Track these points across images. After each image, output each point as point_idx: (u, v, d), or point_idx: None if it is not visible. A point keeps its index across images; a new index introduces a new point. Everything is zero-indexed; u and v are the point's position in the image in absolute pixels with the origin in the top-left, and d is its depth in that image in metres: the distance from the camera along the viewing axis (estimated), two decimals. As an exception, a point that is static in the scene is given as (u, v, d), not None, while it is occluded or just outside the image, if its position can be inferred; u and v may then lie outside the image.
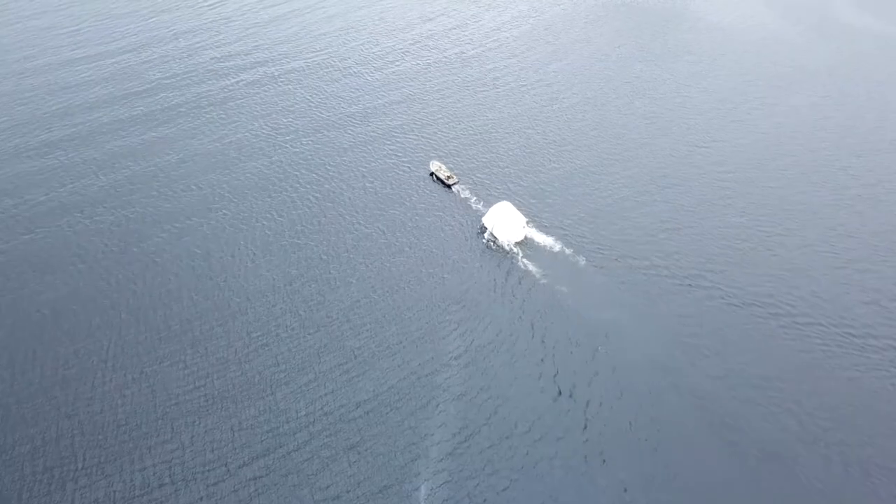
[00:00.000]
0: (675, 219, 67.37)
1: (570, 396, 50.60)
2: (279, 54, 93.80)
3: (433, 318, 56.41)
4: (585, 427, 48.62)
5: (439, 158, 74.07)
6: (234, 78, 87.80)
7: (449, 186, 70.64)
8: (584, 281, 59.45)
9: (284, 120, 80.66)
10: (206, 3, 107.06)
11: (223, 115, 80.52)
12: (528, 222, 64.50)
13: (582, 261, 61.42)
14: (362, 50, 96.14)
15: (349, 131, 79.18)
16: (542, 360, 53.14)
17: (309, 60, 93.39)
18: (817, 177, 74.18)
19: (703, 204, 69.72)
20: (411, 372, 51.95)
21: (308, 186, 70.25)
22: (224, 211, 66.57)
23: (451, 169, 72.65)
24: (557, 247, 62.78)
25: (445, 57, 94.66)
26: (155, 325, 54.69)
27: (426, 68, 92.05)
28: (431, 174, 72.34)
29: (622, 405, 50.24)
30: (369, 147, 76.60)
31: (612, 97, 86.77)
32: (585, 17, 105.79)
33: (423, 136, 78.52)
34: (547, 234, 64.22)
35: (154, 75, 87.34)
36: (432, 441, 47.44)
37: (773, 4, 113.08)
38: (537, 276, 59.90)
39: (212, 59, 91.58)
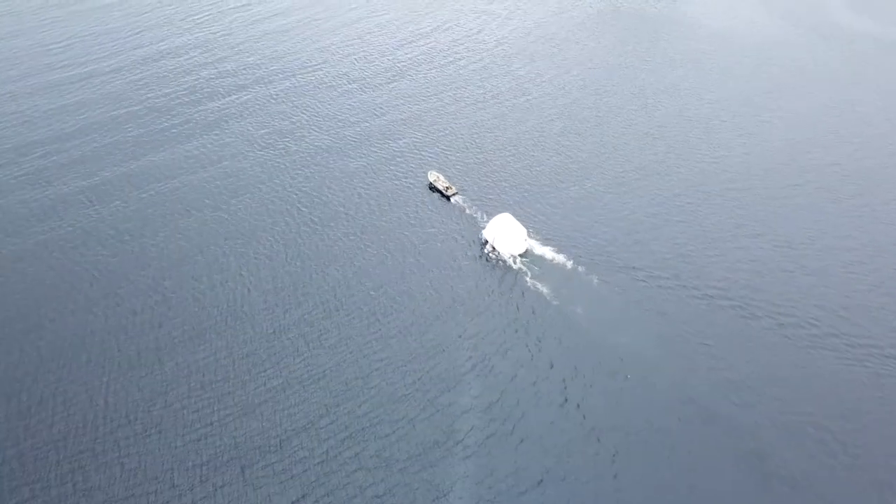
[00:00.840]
0: (685, 230, 65.60)
1: (591, 430, 48.08)
2: (272, 71, 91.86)
3: (433, 337, 54.64)
4: (613, 461, 46.46)
5: (437, 169, 72.52)
6: (226, 98, 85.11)
7: (448, 197, 69.08)
8: (591, 296, 57.70)
9: (280, 125, 79.22)
10: (195, 19, 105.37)
11: (217, 138, 77.82)
12: (529, 234, 62.96)
13: (587, 274, 59.69)
14: (358, 62, 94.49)
15: (344, 140, 77.64)
16: (556, 387, 51.07)
17: (303, 73, 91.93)
18: (844, 190, 71.61)
19: (717, 216, 67.63)
20: (416, 390, 50.32)
21: (298, 196, 68.71)
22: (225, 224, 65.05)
23: (449, 179, 71.12)
24: (560, 259, 61.19)
25: (443, 69, 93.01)
26: (149, 363, 52.96)
27: (423, 80, 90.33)
28: (429, 185, 70.80)
29: (648, 438, 47.72)
30: (366, 157, 75.03)
31: (614, 107, 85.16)
32: (583, 28, 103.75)
33: (420, 146, 76.97)
34: (549, 245, 62.64)
35: (144, 95, 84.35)
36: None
37: (773, 7, 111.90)
38: (541, 290, 58.28)
39: (203, 78, 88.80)
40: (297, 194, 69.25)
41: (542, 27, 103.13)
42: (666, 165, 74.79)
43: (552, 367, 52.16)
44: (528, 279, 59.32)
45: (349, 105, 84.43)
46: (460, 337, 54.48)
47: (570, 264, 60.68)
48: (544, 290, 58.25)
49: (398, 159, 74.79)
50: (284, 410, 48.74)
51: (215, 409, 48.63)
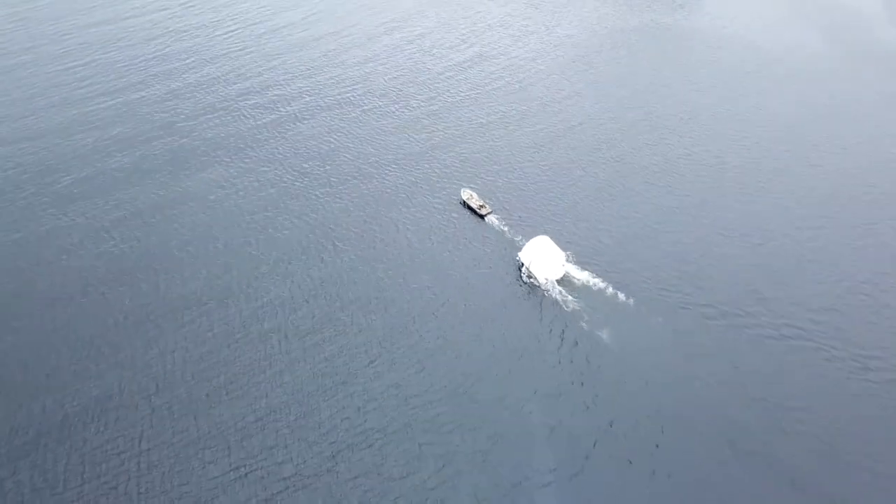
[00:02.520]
0: (743, 257, 61.67)
1: (645, 476, 45.23)
2: (297, 89, 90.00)
3: (467, 368, 51.84)
4: None
5: (470, 187, 69.71)
6: (254, 119, 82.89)
7: (482, 216, 66.29)
8: (637, 328, 54.21)
9: (309, 144, 77.19)
10: (216, 32, 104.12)
11: (244, 160, 75.33)
12: (568, 258, 59.90)
13: (633, 303, 56.21)
14: (386, 78, 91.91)
15: (375, 154, 75.31)
16: (601, 430, 48.11)
17: (330, 89, 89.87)
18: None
19: (780, 244, 63.14)
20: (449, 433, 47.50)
21: (327, 216, 66.47)
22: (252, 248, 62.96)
23: (483, 198, 68.33)
24: (600, 285, 57.91)
25: (474, 87, 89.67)
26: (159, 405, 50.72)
27: (455, 97, 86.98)
28: (462, 203, 68.09)
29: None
30: (396, 173, 72.52)
31: (659, 127, 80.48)
32: (620, 46, 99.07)
33: (453, 164, 74.03)
34: (587, 270, 59.45)
35: (162, 116, 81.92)
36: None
37: (807, 19, 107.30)
38: (582, 320, 55.03)
39: (225, 97, 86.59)
40: (325, 215, 67.05)
41: (576, 47, 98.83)
42: (721, 192, 70.04)
43: (595, 408, 49.07)
44: (567, 307, 56.14)
45: (377, 124, 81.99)
46: (498, 374, 51.49)
47: (613, 291, 57.29)
48: (585, 318, 55.05)
49: (431, 177, 71.96)
50: (303, 449, 46.26)
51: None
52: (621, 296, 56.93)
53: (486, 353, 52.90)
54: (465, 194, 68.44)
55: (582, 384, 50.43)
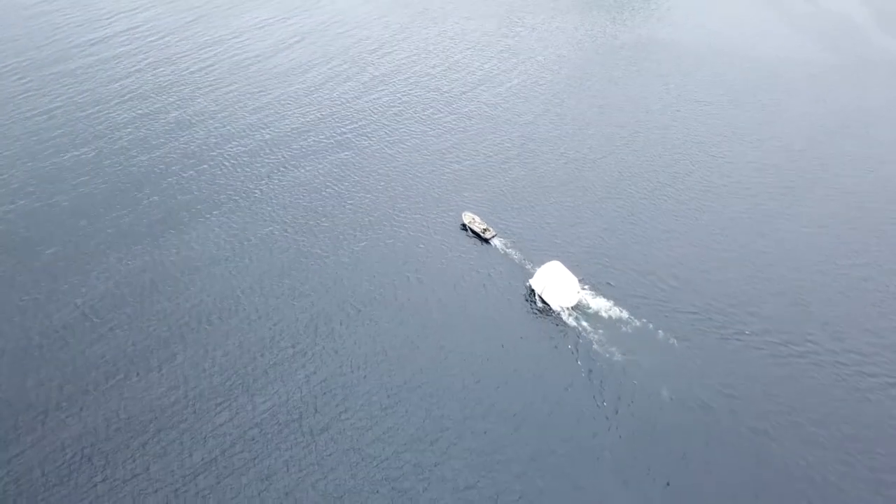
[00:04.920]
0: (764, 274, 60.26)
1: None
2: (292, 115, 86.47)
3: (505, 407, 49.18)
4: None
5: (471, 210, 67.14)
6: (245, 139, 79.92)
7: (486, 240, 63.81)
8: (665, 358, 52.33)
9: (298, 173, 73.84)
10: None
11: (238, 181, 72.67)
12: (581, 283, 57.74)
13: (655, 329, 54.31)
14: (385, 97, 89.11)
15: (367, 179, 72.27)
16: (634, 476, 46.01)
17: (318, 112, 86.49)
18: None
19: (801, 259, 62.10)
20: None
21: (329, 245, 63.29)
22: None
23: (486, 221, 65.83)
24: (617, 311, 55.91)
25: (473, 105, 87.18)
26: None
27: (454, 116, 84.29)
28: (463, 226, 65.53)
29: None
30: (394, 196, 69.61)
31: (667, 149, 77.83)
32: (626, 62, 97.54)
33: (451, 186, 71.24)
34: (604, 296, 57.38)
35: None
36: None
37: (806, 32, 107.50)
38: (607, 350, 52.85)
39: (222, 122, 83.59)
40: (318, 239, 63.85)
41: (578, 66, 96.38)
42: (745, 213, 68.21)
43: (634, 441, 46.89)
44: (585, 335, 54.02)
45: (369, 147, 78.99)
46: (540, 420, 48.96)
47: (627, 316, 55.41)
48: (609, 347, 52.92)
49: (429, 202, 69.02)
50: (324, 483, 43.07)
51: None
52: (639, 321, 55.07)
53: (518, 393, 50.30)
54: (467, 217, 65.88)
55: (617, 428, 48.25)
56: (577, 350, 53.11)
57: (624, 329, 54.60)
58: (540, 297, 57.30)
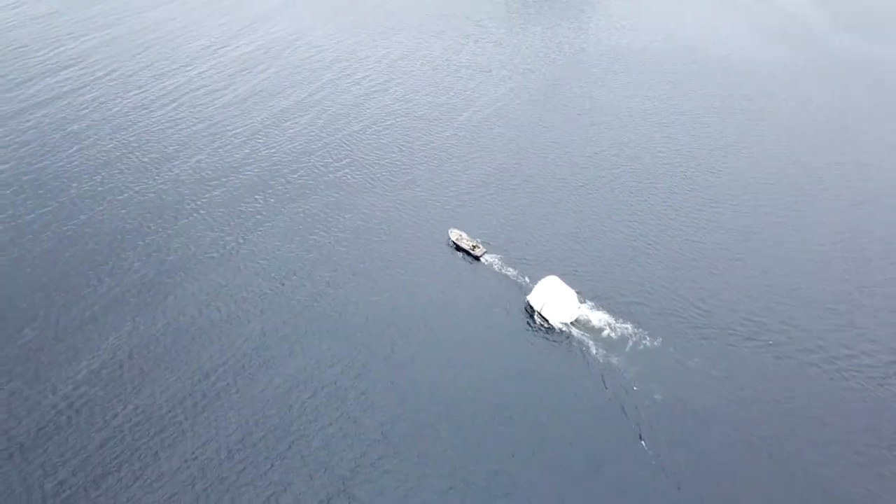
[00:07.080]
0: (769, 282, 59.48)
1: None
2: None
3: (520, 437, 47.16)
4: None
5: (457, 227, 65.16)
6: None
7: (476, 258, 61.91)
8: (660, 368, 51.06)
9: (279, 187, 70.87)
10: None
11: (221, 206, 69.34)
12: (579, 297, 56.24)
13: (652, 341, 53.08)
14: (363, 113, 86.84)
15: (351, 200, 69.80)
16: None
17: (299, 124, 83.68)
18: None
19: (806, 264, 61.48)
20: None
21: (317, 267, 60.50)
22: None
23: (474, 237, 63.95)
24: (618, 324, 54.46)
25: (455, 119, 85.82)
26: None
27: (434, 131, 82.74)
28: (452, 244, 63.53)
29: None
30: (380, 215, 67.27)
31: (658, 158, 77.02)
32: (615, 74, 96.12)
33: (434, 206, 69.02)
34: (603, 309, 55.93)
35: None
36: None
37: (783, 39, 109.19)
38: (608, 363, 51.40)
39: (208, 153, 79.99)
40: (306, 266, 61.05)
41: (566, 77, 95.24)
42: (745, 214, 67.98)
43: (657, 459, 45.30)
44: (590, 351, 52.40)
45: (348, 165, 76.60)
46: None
47: (629, 329, 53.98)
48: (611, 362, 51.42)
49: (416, 220, 66.81)
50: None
51: None
52: (640, 332, 53.75)
53: (531, 415, 48.29)
54: (454, 235, 63.99)
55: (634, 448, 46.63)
56: (595, 370, 50.86)
57: (628, 342, 53.03)
58: (539, 314, 55.57)
